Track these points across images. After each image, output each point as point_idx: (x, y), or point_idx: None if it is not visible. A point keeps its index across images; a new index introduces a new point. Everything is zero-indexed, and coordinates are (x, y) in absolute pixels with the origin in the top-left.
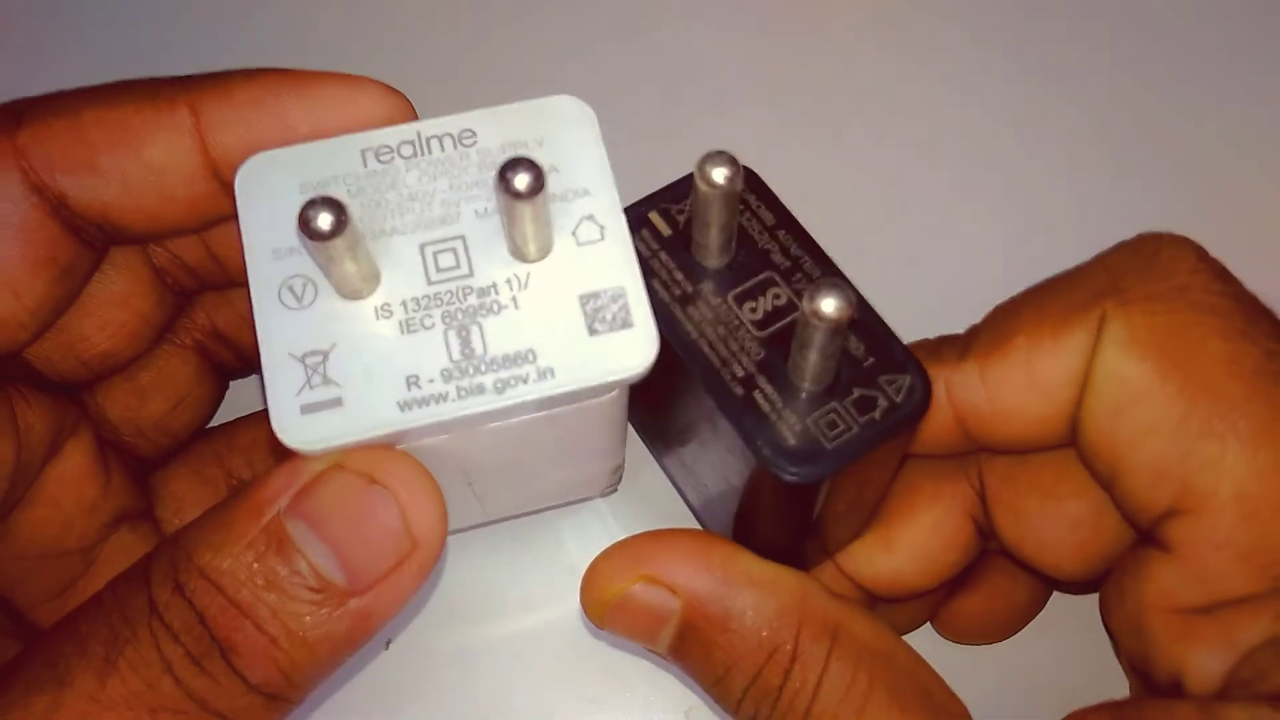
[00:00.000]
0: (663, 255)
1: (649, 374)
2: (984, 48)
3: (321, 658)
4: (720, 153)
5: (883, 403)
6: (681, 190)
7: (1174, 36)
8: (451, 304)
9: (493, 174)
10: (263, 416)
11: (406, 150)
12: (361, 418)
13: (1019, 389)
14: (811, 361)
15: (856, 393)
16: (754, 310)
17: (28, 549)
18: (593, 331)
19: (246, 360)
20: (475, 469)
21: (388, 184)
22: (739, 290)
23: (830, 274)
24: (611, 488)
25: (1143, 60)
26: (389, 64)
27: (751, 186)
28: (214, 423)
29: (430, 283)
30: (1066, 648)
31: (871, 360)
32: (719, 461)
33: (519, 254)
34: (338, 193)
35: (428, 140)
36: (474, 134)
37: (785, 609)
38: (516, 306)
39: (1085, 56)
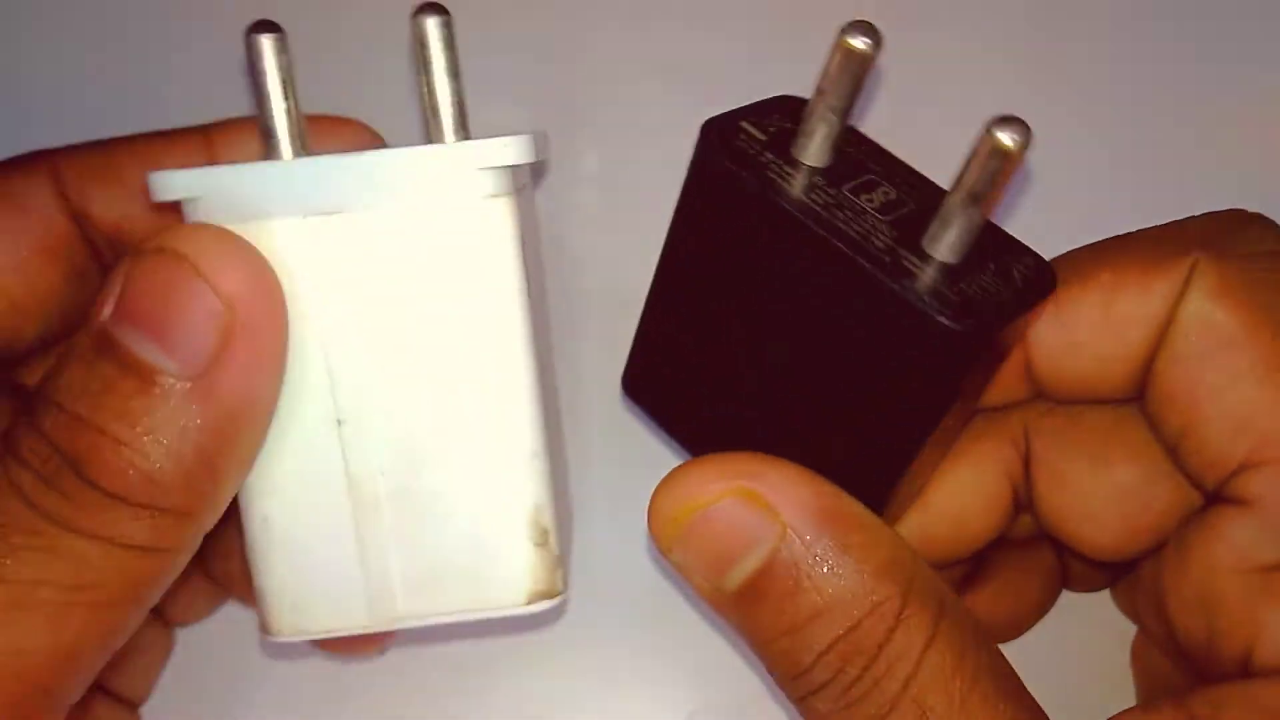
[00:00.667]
0: (767, 154)
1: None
2: (990, 35)
3: (186, 455)
4: (862, 21)
5: (1018, 273)
6: (764, 110)
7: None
8: None
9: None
10: None
11: None
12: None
13: (1094, 325)
14: (961, 218)
15: (993, 265)
16: (870, 200)
17: None
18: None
19: None
20: (341, 361)
21: None
22: (852, 185)
23: (925, 182)
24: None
25: (1156, 45)
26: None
27: None
28: None
29: None
30: (1068, 649)
31: (994, 246)
32: (830, 354)
33: None
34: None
35: None
36: None
37: (895, 562)
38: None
39: (1095, 45)
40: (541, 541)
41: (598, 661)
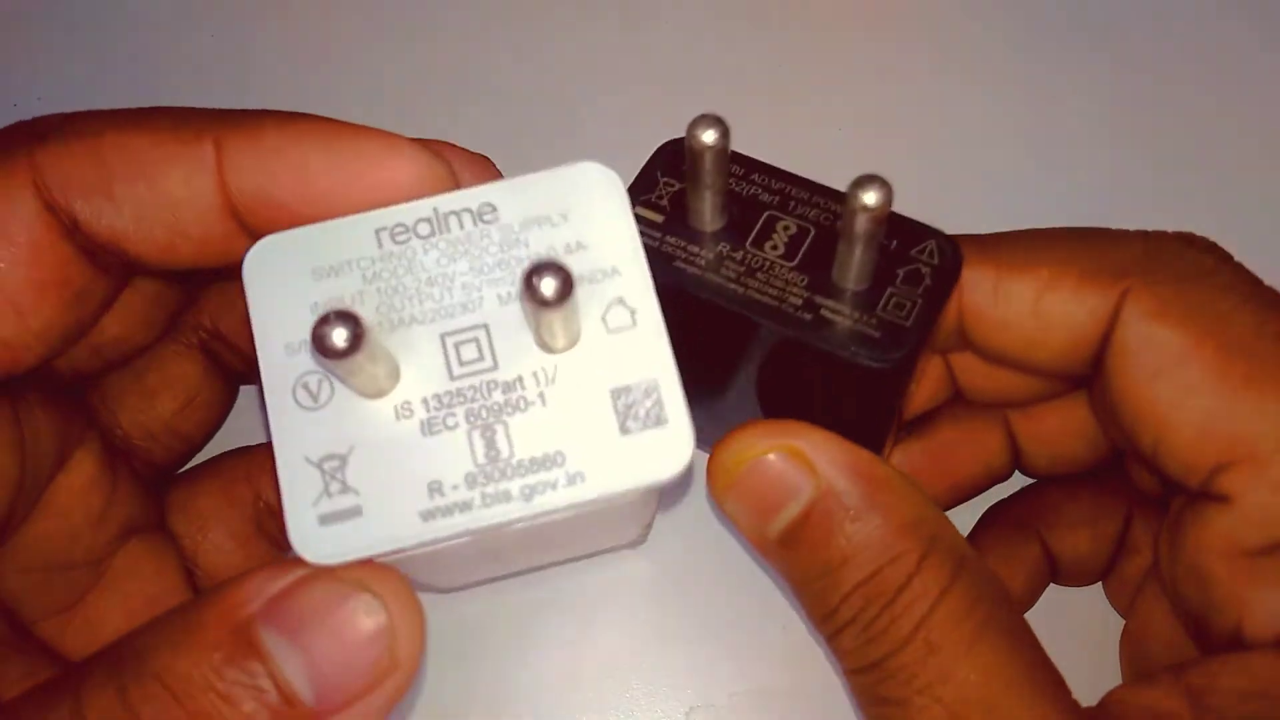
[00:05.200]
0: (669, 238)
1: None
2: (985, 37)
3: None
4: (705, 116)
5: (925, 270)
6: (650, 178)
7: (1176, 30)
8: (475, 401)
9: (515, 252)
10: None
11: (423, 229)
12: (383, 528)
13: (1023, 311)
14: (859, 259)
15: (901, 272)
16: (775, 248)
17: (34, 561)
18: (624, 430)
19: (251, 364)
20: (497, 551)
21: (405, 268)
22: (753, 236)
23: (817, 191)
24: (642, 540)
25: (1148, 52)
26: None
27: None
28: (233, 433)
29: (453, 377)
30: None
31: (895, 243)
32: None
33: (546, 346)
34: (350, 294)
35: (445, 217)
36: (494, 208)
37: (920, 521)
38: (544, 403)
39: (1088, 49)
40: None
41: (598, 658)
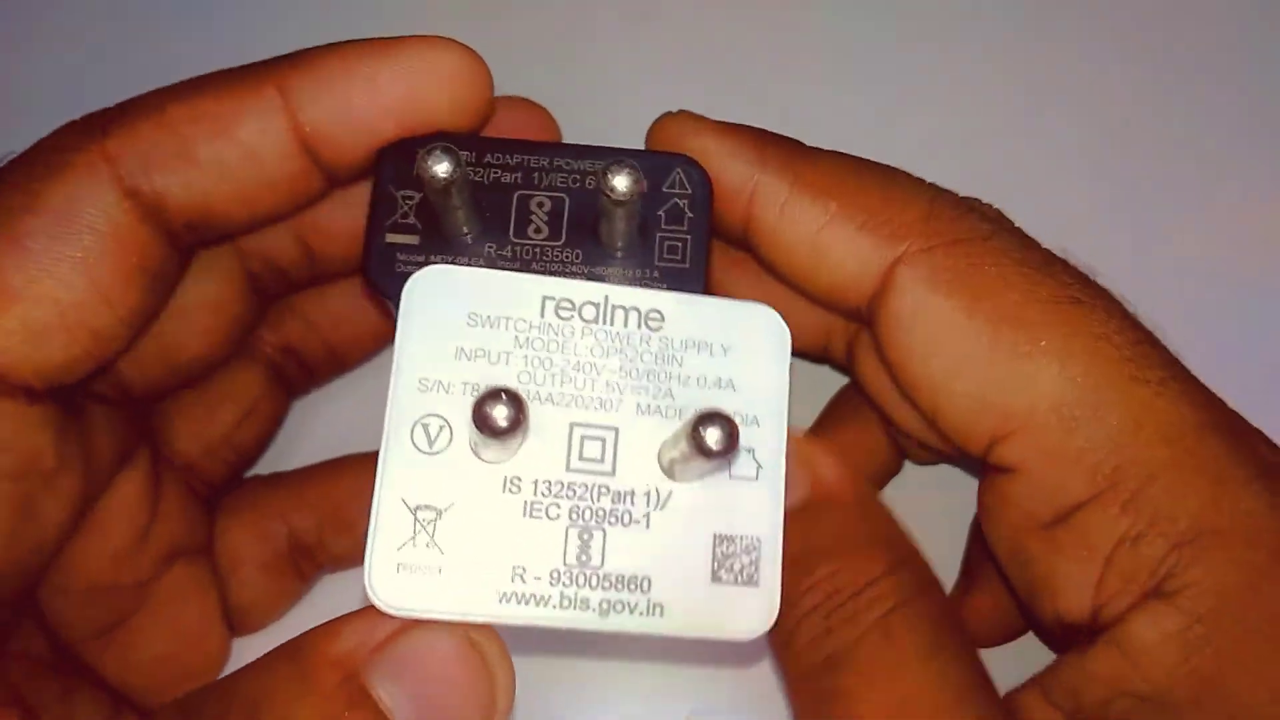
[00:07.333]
0: (434, 259)
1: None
2: (972, 33)
3: None
4: (434, 148)
5: (681, 203)
6: (388, 197)
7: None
8: (583, 499)
9: (668, 368)
10: (333, 468)
11: (589, 312)
12: (457, 597)
13: (803, 237)
14: (622, 230)
15: (662, 213)
16: (538, 231)
17: (76, 582)
18: (715, 578)
19: (311, 373)
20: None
21: (558, 345)
22: (513, 226)
23: (550, 153)
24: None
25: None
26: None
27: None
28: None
29: (569, 469)
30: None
31: (651, 189)
32: None
33: (667, 471)
34: (497, 351)
35: (613, 309)
36: (661, 317)
37: (894, 540)
38: (647, 525)
39: (1078, 54)
40: None
41: (597, 660)
